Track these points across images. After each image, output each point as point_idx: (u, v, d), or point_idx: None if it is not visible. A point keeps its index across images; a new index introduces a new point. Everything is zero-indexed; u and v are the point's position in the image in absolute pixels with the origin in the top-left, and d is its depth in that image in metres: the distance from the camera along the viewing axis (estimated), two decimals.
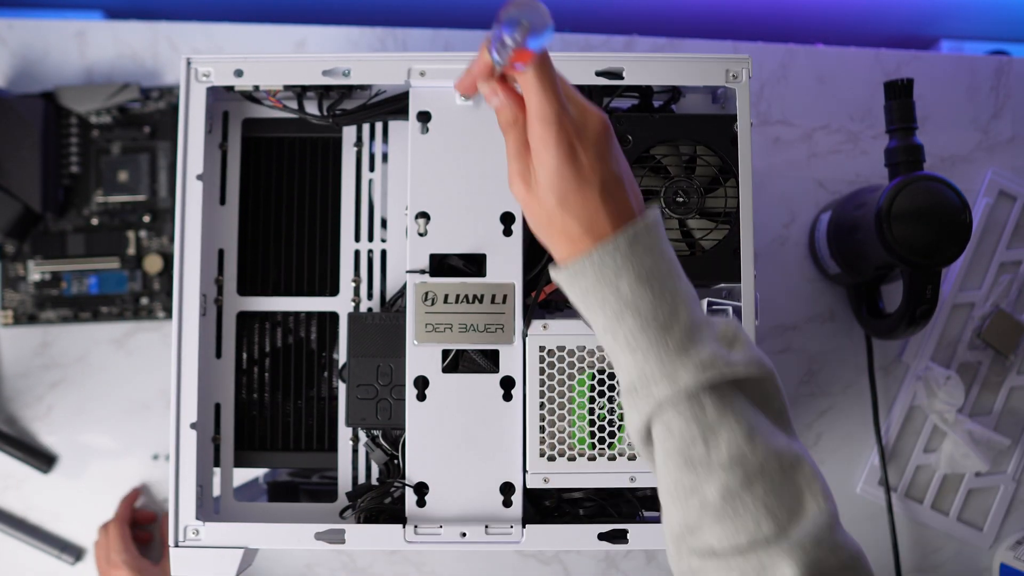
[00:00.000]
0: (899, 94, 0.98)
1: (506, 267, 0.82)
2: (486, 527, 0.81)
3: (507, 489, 0.81)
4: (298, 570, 1.10)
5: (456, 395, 0.82)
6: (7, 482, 1.11)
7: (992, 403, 1.15)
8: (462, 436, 0.82)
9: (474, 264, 0.82)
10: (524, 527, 0.81)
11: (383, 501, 0.84)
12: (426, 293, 0.81)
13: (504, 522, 0.81)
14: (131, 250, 1.12)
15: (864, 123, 1.16)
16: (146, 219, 1.12)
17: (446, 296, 0.81)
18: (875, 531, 1.12)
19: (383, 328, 0.83)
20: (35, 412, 1.12)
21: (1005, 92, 1.17)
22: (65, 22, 1.16)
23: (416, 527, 0.81)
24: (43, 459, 1.10)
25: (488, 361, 0.82)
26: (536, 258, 0.85)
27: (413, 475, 0.81)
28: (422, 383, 0.82)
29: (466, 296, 0.81)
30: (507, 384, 0.82)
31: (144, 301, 1.12)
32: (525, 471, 0.81)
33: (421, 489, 0.81)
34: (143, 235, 1.12)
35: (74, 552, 1.09)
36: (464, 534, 0.80)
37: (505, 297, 0.81)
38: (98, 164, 1.12)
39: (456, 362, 0.83)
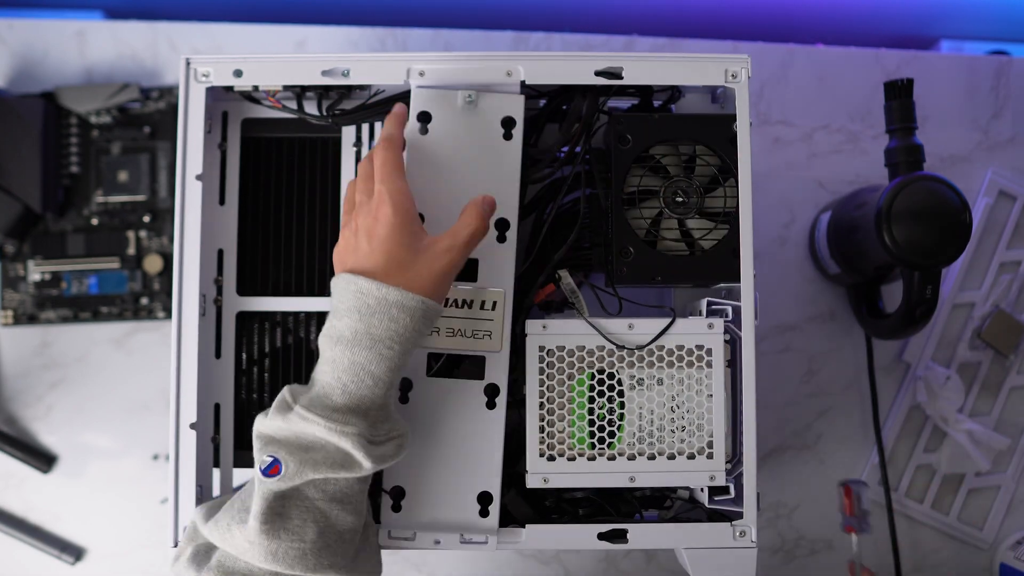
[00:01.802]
0: (899, 94, 0.98)
1: (498, 274, 0.82)
2: (461, 536, 0.80)
3: (484, 499, 0.81)
4: None
5: (439, 400, 0.82)
6: (7, 482, 1.11)
7: (992, 403, 1.15)
8: (442, 442, 0.81)
9: (469, 269, 0.82)
10: (524, 527, 0.81)
11: (378, 500, 0.84)
12: None
13: (480, 532, 0.81)
14: (131, 250, 1.12)
15: (864, 123, 1.16)
16: (146, 219, 1.12)
17: None
18: (875, 531, 1.12)
19: None
20: (35, 412, 1.12)
21: (1005, 92, 1.17)
22: (65, 22, 1.16)
23: (390, 532, 0.80)
24: (43, 459, 1.10)
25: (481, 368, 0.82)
26: (533, 259, 0.85)
27: (390, 479, 0.81)
28: (405, 385, 0.82)
29: (455, 300, 0.81)
30: (491, 392, 0.82)
31: (144, 301, 1.12)
32: (525, 471, 0.81)
33: (397, 494, 0.81)
34: (143, 235, 1.12)
35: (74, 552, 1.09)
36: (438, 541, 0.80)
37: (495, 304, 0.81)
38: (98, 164, 1.12)
39: (451, 367, 0.82)
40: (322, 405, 0.71)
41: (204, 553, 0.74)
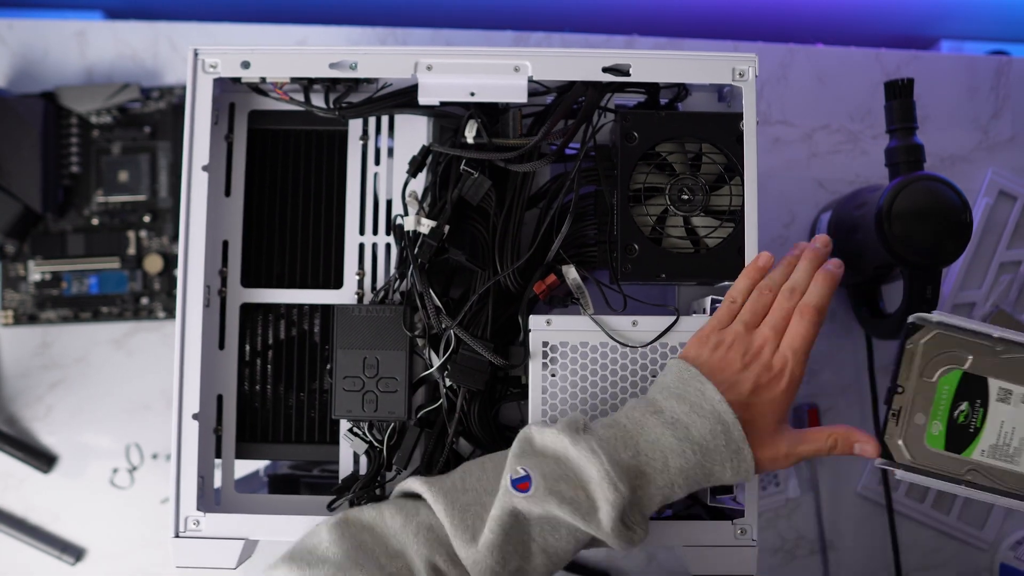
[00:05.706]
0: (899, 94, 0.98)
1: None
2: None
3: None
4: None
5: None
6: (7, 482, 1.10)
7: None
8: None
9: (478, 259, 0.82)
10: None
11: (375, 492, 0.83)
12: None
13: None
14: (131, 250, 1.12)
15: (864, 123, 1.17)
16: (146, 219, 1.12)
17: None
18: (875, 531, 1.12)
19: (370, 320, 0.83)
20: (35, 412, 1.12)
21: (1005, 92, 1.18)
22: (65, 22, 1.16)
23: None
24: (43, 459, 1.10)
25: (485, 345, 0.81)
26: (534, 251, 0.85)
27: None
28: None
29: None
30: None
31: (144, 301, 1.12)
32: None
33: None
34: (143, 235, 1.12)
35: (74, 552, 1.09)
36: None
37: None
38: (98, 164, 1.12)
39: (456, 349, 0.82)
40: (614, 449, 0.72)
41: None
